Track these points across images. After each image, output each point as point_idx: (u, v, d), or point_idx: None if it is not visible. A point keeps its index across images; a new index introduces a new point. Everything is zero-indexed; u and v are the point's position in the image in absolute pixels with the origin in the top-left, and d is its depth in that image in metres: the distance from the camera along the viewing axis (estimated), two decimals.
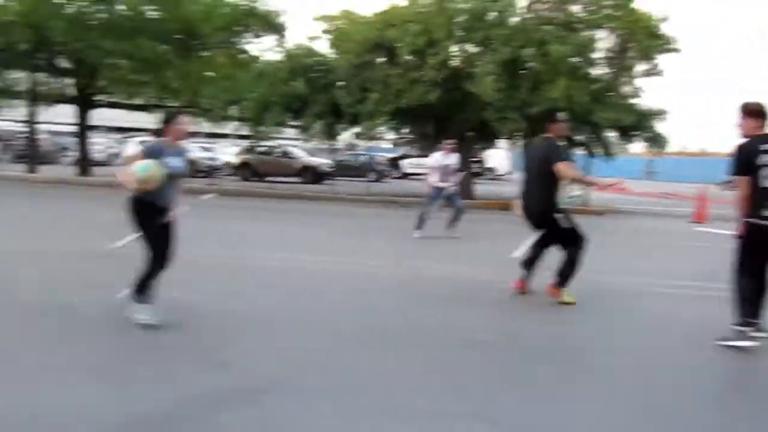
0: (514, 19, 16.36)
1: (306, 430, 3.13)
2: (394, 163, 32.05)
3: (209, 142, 30.18)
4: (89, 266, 6.52)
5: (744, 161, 4.53)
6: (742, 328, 4.55)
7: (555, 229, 5.68)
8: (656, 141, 16.36)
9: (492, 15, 15.75)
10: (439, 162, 10.00)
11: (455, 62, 15.88)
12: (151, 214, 4.45)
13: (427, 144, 18.83)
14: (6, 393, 3.36)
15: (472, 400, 3.56)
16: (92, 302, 5.09)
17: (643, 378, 4.06)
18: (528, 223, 5.87)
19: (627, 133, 16.25)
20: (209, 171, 22.66)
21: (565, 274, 5.67)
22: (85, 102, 18.87)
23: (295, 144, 28.09)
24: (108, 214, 7.22)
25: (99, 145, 25.17)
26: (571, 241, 5.66)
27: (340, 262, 7.47)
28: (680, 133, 54.74)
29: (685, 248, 10.37)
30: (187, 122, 4.72)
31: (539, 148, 5.81)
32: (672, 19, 18.79)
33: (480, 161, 31.58)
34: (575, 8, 16.37)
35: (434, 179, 9.97)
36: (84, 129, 19.31)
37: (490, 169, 34.06)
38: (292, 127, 18.60)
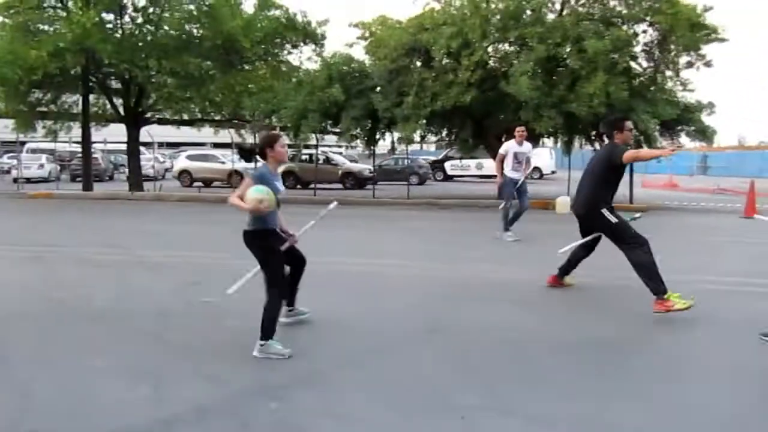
0: (551, 16, 16.20)
1: (336, 420, 3.26)
2: (437, 165, 32.05)
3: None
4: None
5: None
6: None
7: (603, 224, 5.47)
8: (703, 134, 15.80)
9: (527, 13, 15.64)
10: (512, 150, 9.54)
11: (490, 63, 15.81)
12: (272, 240, 4.37)
13: (466, 146, 18.74)
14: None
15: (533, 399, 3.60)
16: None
17: (677, 375, 4.01)
18: (579, 224, 5.85)
19: (672, 127, 15.76)
20: None
21: (648, 279, 5.21)
22: (134, 120, 19.72)
23: (339, 152, 28.55)
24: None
25: (150, 161, 26.22)
26: (630, 241, 5.35)
27: (404, 265, 7.60)
28: (739, 126, 52.54)
29: (729, 244, 10.00)
30: (286, 145, 4.62)
31: (602, 151, 5.93)
32: (724, 8, 18.06)
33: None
34: (613, 3, 16.03)
35: (507, 168, 9.54)
36: (134, 146, 20.16)
37: (536, 169, 33.65)
38: (332, 133, 18.88)
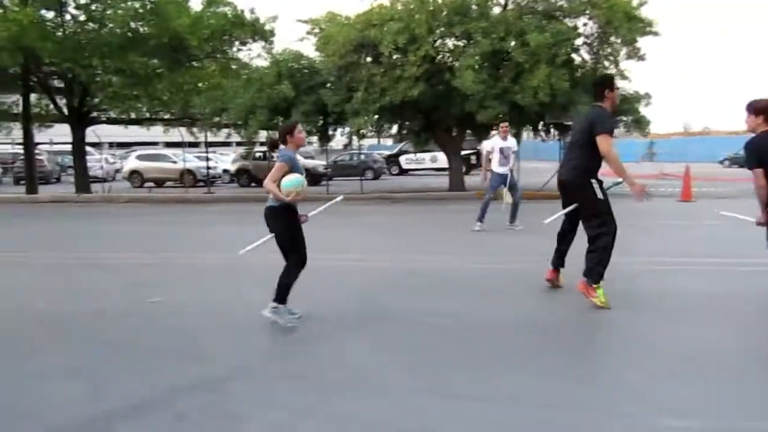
0: (497, 11, 16.57)
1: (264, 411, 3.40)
2: (392, 160, 32.28)
3: (209, 151, 30.52)
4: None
5: (756, 156, 4.93)
6: None
7: (587, 196, 5.20)
8: (638, 124, 16.51)
9: (473, 8, 15.96)
10: (498, 146, 9.99)
11: (438, 57, 16.07)
12: (289, 217, 4.81)
13: (418, 140, 19.03)
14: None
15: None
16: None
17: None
18: (562, 196, 5.52)
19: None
20: (208, 180, 22.96)
21: (596, 263, 5.11)
22: (79, 120, 19.23)
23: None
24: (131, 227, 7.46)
25: (99, 161, 25.59)
26: (604, 221, 5.15)
27: (355, 258, 7.72)
28: (684, 113, 54.72)
29: (660, 227, 10.48)
30: (303, 131, 5.07)
31: (586, 116, 5.39)
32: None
33: (478, 153, 31.76)
34: None
35: (494, 164, 9.99)
36: (80, 147, 19.66)
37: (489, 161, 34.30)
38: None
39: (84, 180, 19.45)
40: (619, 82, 16.62)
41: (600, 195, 5.15)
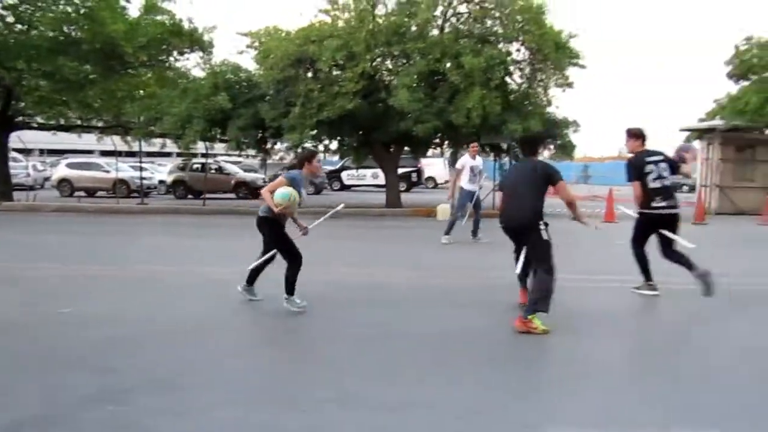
0: (436, 32, 17.02)
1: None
2: (334, 175, 32.36)
3: (146, 161, 29.73)
4: None
5: (636, 170, 6.38)
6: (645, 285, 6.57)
7: (537, 238, 5.41)
8: (564, 149, 17.32)
9: (413, 29, 16.35)
10: (468, 164, 10.56)
11: (376, 75, 16.34)
12: (280, 228, 5.65)
13: (359, 156, 19.22)
14: None
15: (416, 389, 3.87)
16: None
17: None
18: (509, 232, 5.72)
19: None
20: (144, 191, 22.34)
21: (538, 298, 5.23)
22: (2, 124, 18.38)
23: (237, 161, 28.07)
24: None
25: (26, 168, 24.49)
26: (548, 264, 5.38)
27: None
28: (620, 139, 57.73)
29: (575, 246, 10.84)
30: (321, 161, 5.90)
31: (533, 166, 5.67)
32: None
33: (419, 171, 32.29)
34: (490, 22, 17.10)
35: (464, 181, 10.56)
36: (2, 152, 18.78)
37: (431, 179, 34.92)
38: (221, 141, 18.65)
39: (6, 187, 18.55)
40: (549, 109, 17.47)
41: (546, 237, 5.38)
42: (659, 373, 4.21)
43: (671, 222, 6.43)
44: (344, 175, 31.94)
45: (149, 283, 6.98)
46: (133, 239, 11.45)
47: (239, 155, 22.75)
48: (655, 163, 6.37)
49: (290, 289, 5.64)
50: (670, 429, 3.29)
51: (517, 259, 5.73)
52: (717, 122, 19.05)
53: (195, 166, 24.52)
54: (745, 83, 18.41)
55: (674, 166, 6.47)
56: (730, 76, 18.86)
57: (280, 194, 5.27)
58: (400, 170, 28.51)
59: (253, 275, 5.96)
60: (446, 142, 19.48)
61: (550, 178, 5.52)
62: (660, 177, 6.34)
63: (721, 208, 18.87)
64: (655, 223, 6.45)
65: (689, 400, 3.68)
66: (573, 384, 3.99)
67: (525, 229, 5.51)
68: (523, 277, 5.83)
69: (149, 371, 4.14)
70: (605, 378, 4.10)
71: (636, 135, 6.50)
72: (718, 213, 18.60)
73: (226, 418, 3.39)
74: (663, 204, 6.38)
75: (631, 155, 6.52)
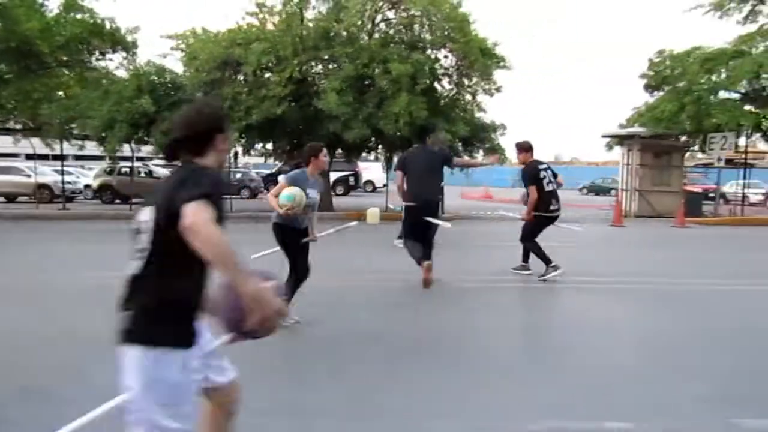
0: (364, 38, 17.12)
1: None
2: (270, 179, 32.02)
3: (71, 165, 28.61)
4: None
5: (531, 177, 7.46)
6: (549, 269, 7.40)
7: (436, 211, 7.08)
8: (493, 152, 17.70)
9: (343, 34, 16.39)
10: None
11: (304, 78, 16.29)
12: (292, 236, 5.24)
13: (292, 159, 19.07)
14: None
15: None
16: None
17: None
18: (419, 211, 6.84)
19: (470, 144, 17.43)
20: (68, 195, 21.46)
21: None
22: None
23: (170, 165, 27.35)
24: None
25: None
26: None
27: None
28: (554, 143, 59.42)
29: (489, 248, 11.15)
30: (326, 156, 5.49)
31: (434, 150, 7.26)
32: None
33: (356, 175, 32.36)
34: (419, 29, 17.35)
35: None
36: None
37: (369, 182, 35.04)
38: (148, 144, 18.12)
39: None
40: (477, 114, 17.87)
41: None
42: (543, 366, 4.36)
43: (555, 220, 7.75)
44: (281, 179, 31.49)
45: (41, 291, 6.71)
46: (39, 246, 10.95)
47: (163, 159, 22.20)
48: (545, 170, 7.62)
49: (288, 299, 5.07)
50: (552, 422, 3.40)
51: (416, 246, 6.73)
52: (637, 129, 19.94)
53: (123, 169, 23.79)
54: (661, 93, 19.35)
55: (555, 173, 7.71)
56: (645, 87, 19.78)
57: (284, 195, 5.02)
58: (338, 174, 28.72)
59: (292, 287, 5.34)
60: (380, 146, 19.61)
61: (448, 160, 7.20)
62: (551, 182, 7.56)
63: (641, 211, 19.75)
64: (550, 222, 7.68)
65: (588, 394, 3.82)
66: (482, 378, 4.08)
67: (431, 204, 6.99)
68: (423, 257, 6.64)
69: (31, 378, 3.97)
70: (516, 371, 4.21)
71: (526, 148, 7.66)
72: (638, 216, 19.47)
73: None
74: (557, 207, 7.65)
75: (524, 165, 7.69)
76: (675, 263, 9.66)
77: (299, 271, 5.26)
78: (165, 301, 2.00)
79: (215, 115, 2.21)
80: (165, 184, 2.11)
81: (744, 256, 10.66)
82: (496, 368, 4.39)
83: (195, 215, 1.84)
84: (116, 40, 16.91)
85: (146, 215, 2.05)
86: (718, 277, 8.13)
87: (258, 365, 4.33)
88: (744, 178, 24.43)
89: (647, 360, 4.65)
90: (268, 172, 32.81)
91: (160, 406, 1.98)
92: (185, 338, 2.04)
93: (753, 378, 4.21)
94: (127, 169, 23.68)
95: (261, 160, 34.35)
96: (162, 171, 24.73)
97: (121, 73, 18.03)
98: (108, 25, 16.86)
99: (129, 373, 2.01)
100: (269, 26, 16.54)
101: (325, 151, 5.44)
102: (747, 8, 18.54)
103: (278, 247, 5.32)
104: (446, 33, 16.28)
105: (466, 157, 16.45)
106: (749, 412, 3.55)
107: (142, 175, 23.79)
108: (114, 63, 18.01)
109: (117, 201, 22.43)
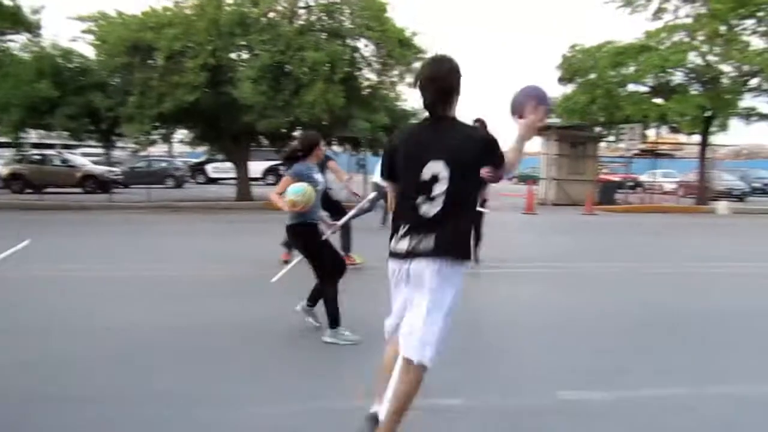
0: (283, 26, 16.88)
1: None
2: (198, 168, 31.30)
3: None
4: None
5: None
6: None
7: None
8: None
9: (258, 21, 16.09)
10: None
11: (219, 65, 15.96)
12: (313, 234, 4.69)
13: (213, 149, 18.71)
14: None
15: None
16: None
17: None
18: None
19: (392, 132, 17.54)
20: None
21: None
22: None
23: (95, 153, 26.21)
24: None
25: None
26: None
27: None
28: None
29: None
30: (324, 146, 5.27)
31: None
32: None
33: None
34: (341, 18, 17.25)
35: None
36: None
37: None
38: (41, 127, 17.24)
39: None
40: (398, 102, 18.03)
41: None
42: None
43: None
44: (209, 168, 30.89)
45: None
46: None
47: (104, 147, 21.20)
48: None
49: (334, 317, 4.58)
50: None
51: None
52: (554, 120, 20.62)
53: (35, 157, 22.69)
54: (574, 86, 20.07)
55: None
56: (560, 80, 20.45)
57: (293, 190, 4.48)
58: (268, 164, 28.25)
59: (316, 294, 4.93)
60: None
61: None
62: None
63: (558, 199, 20.50)
64: None
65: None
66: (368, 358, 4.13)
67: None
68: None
69: None
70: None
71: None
72: (555, 204, 20.20)
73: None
74: None
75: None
76: (567, 249, 10.09)
77: (336, 265, 4.72)
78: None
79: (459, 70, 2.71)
80: (445, 137, 2.65)
81: (629, 241, 11.25)
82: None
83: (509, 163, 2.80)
84: (17, 20, 16.02)
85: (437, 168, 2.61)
86: (601, 261, 8.56)
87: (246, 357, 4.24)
88: (656, 168, 25.73)
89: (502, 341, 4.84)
90: (197, 160, 32.00)
91: (453, 306, 2.67)
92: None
93: (600, 355, 4.45)
94: (39, 157, 22.64)
95: (187, 148, 33.50)
96: (79, 160, 23.72)
97: (27, 56, 17.12)
98: (7, 2, 15.91)
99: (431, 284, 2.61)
100: (187, 11, 16.06)
101: (322, 141, 5.13)
102: (654, 5, 19.41)
103: (299, 257, 4.92)
104: (364, 22, 16.26)
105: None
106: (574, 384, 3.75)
107: (56, 163, 22.77)
108: (15, 44, 17.07)
109: (28, 190, 21.36)
